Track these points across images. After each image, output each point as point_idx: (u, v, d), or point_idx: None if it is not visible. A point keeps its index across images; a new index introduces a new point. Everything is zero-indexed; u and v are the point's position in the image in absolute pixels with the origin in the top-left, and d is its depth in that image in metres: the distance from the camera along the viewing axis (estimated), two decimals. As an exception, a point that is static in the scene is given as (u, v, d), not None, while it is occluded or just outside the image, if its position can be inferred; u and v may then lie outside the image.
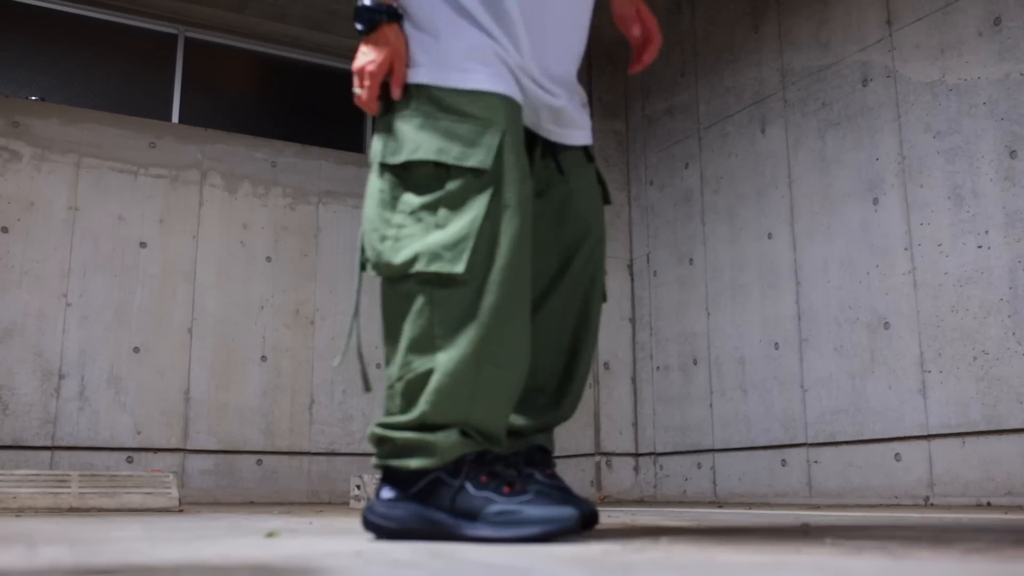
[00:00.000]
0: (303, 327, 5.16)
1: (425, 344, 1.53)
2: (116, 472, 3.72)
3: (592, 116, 5.73)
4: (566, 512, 1.44)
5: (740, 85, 4.91)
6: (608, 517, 2.63)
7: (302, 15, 5.48)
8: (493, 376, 1.54)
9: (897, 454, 3.85)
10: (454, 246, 1.52)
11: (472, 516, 1.49)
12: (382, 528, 1.55)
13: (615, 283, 5.51)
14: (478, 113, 1.58)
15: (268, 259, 5.15)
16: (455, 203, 1.54)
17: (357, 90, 1.63)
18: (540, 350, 1.76)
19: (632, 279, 5.57)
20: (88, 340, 4.67)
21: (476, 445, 1.56)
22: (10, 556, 1.28)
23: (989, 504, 3.45)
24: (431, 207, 1.56)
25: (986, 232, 3.59)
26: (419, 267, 1.53)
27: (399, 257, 1.55)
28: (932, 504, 3.65)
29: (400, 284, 1.56)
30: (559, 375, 1.81)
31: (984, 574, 0.98)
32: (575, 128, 1.80)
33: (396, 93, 1.61)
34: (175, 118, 5.25)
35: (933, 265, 3.78)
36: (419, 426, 1.53)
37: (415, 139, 1.58)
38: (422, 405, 1.52)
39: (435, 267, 1.52)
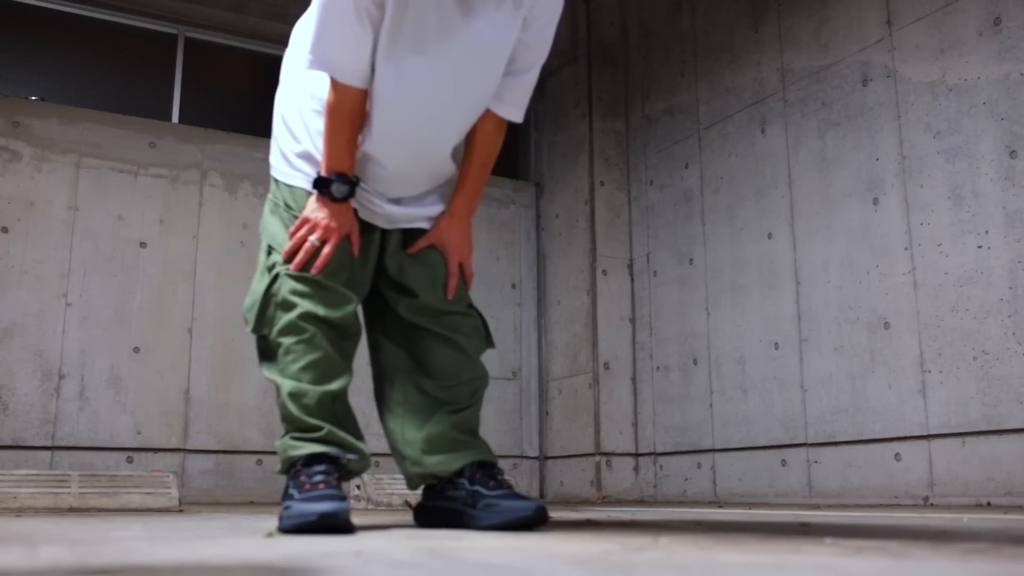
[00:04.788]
0: (303, 327, 5.16)
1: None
2: (116, 472, 3.72)
3: (593, 116, 5.76)
4: (316, 508, 1.68)
5: (740, 85, 4.91)
6: (608, 517, 2.63)
7: (302, 15, 5.48)
8: (298, 391, 1.89)
9: (897, 454, 3.85)
10: (250, 309, 1.99)
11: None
12: None
13: (615, 283, 5.51)
14: (293, 205, 2.00)
15: (268, 259, 5.15)
16: (264, 274, 1.98)
17: (313, 239, 1.93)
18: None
19: (632, 279, 5.57)
20: (88, 340, 4.66)
21: (305, 447, 1.86)
22: (10, 556, 1.28)
23: (989, 504, 3.45)
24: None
25: (986, 232, 3.59)
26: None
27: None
28: (932, 504, 3.65)
29: None
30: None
31: (984, 574, 0.98)
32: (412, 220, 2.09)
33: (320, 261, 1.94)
34: (175, 118, 5.24)
35: (933, 265, 3.78)
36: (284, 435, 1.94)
37: (267, 224, 2.04)
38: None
39: (248, 329, 2.00)
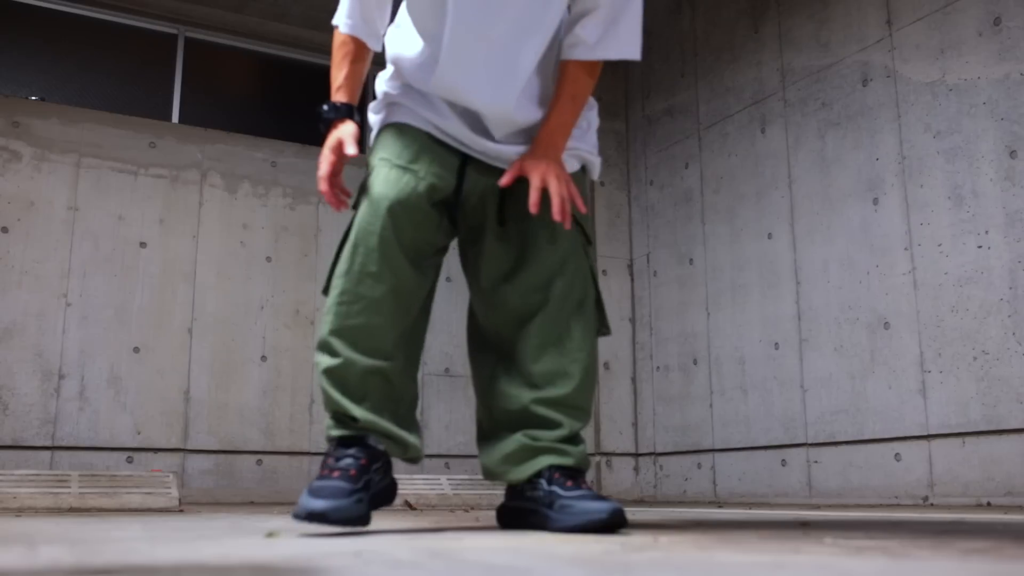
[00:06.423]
0: (303, 327, 5.16)
1: None
2: (116, 472, 3.72)
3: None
4: (309, 505, 1.68)
5: (740, 85, 4.91)
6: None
7: (302, 15, 5.48)
8: (332, 365, 1.85)
9: (897, 454, 3.85)
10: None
11: None
12: None
13: (615, 283, 5.51)
14: (368, 160, 1.99)
15: (268, 259, 5.15)
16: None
17: (324, 167, 1.96)
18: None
19: (632, 279, 5.57)
20: (88, 340, 4.66)
21: (341, 428, 1.85)
22: (10, 556, 1.28)
23: (989, 504, 3.45)
24: None
25: (986, 232, 3.59)
26: None
27: None
28: (932, 504, 3.65)
29: None
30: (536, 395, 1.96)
31: (984, 574, 0.98)
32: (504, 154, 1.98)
33: (322, 186, 1.95)
34: (175, 118, 5.24)
35: (933, 265, 3.77)
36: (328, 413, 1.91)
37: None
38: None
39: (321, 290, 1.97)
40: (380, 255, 1.85)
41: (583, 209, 1.92)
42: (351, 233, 1.90)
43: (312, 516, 1.68)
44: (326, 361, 1.86)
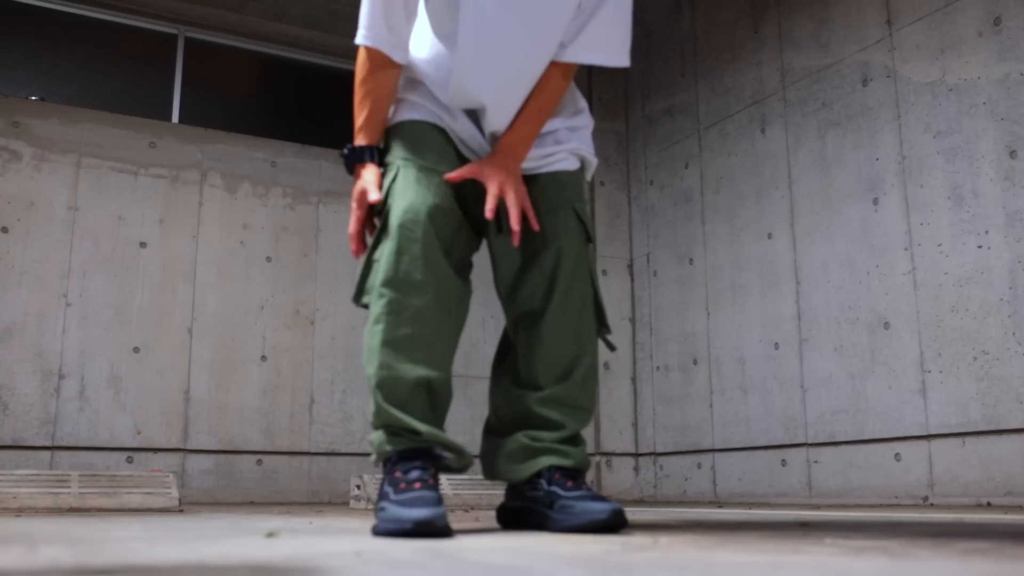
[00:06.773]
0: (303, 327, 5.16)
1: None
2: (116, 472, 3.72)
3: (593, 116, 5.74)
4: (411, 515, 1.60)
5: (740, 85, 4.91)
6: (608, 517, 2.62)
7: (302, 15, 5.48)
8: (384, 377, 1.79)
9: (897, 454, 3.85)
10: (357, 281, 1.90)
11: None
12: None
13: (615, 283, 5.50)
14: (387, 159, 1.92)
15: (268, 259, 5.15)
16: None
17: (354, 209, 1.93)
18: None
19: (632, 279, 5.57)
20: (88, 340, 4.66)
21: (399, 442, 1.79)
22: (10, 556, 1.28)
23: (989, 504, 3.45)
24: None
25: (986, 232, 3.59)
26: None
27: None
28: (932, 504, 3.65)
29: None
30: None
31: (984, 574, 0.98)
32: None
33: (352, 244, 1.93)
34: (175, 118, 5.24)
35: (933, 265, 3.78)
36: (375, 428, 1.85)
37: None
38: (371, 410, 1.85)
39: (352, 298, 1.92)
40: (425, 263, 1.80)
41: (535, 227, 1.90)
42: (389, 239, 1.82)
43: (420, 525, 1.59)
44: (378, 374, 1.80)
